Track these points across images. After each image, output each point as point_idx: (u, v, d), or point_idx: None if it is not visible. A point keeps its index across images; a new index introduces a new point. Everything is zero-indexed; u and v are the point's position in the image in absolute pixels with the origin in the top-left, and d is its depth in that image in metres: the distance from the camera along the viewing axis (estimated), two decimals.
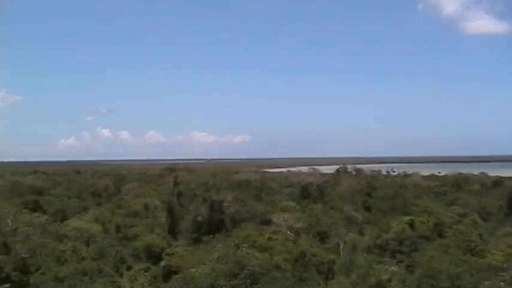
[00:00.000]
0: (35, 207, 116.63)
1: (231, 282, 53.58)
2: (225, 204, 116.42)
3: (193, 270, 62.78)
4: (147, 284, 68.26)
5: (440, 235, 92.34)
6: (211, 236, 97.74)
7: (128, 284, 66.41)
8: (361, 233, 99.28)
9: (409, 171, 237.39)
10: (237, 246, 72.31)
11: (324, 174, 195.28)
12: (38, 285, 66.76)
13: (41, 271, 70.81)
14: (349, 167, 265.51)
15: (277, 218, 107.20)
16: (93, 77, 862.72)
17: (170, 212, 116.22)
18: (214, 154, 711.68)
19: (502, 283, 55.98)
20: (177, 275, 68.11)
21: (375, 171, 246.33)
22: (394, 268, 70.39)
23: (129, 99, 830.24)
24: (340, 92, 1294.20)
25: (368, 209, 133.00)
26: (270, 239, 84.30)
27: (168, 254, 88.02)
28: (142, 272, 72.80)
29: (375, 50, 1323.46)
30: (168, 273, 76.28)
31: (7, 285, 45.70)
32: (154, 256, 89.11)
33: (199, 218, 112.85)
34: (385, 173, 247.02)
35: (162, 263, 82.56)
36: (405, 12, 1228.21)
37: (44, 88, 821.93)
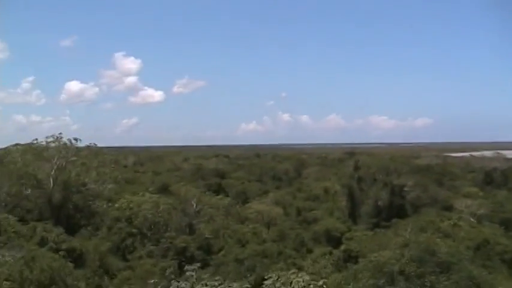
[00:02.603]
0: (218, 190, 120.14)
1: (420, 269, 51.87)
2: (405, 189, 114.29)
3: (375, 254, 61.54)
4: (330, 267, 67.80)
5: None
6: (391, 221, 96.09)
7: (310, 266, 66.35)
8: None
9: None
10: (423, 232, 70.30)
11: (509, 159, 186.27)
12: (219, 265, 68.46)
13: (223, 252, 72.51)
14: None
15: (460, 204, 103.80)
16: (273, 61, 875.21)
17: (350, 196, 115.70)
18: (394, 138, 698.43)
19: None
20: (363, 259, 67.25)
21: None
22: None
23: (309, 83, 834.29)
24: None
25: None
26: (455, 225, 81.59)
27: (347, 239, 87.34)
28: (325, 256, 72.53)
29: None
30: (348, 258, 75.66)
31: (198, 264, 46.73)
32: (333, 240, 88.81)
33: (380, 203, 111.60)
34: None
35: (342, 247, 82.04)
36: None
37: (226, 73, 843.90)
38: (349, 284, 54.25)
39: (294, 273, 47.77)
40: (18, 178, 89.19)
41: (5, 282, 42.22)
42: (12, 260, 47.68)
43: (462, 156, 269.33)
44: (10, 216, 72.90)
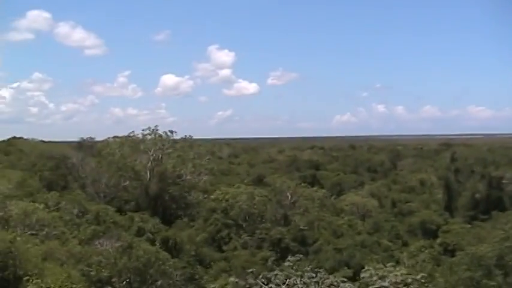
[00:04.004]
0: (313, 182, 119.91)
1: None
2: (504, 181, 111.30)
3: (473, 248, 60.34)
4: (429, 261, 66.97)
5: None
6: (489, 214, 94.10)
7: (406, 259, 65.84)
8: None
9: None
10: None
11: None
12: (318, 252, 68.78)
13: (319, 242, 72.71)
14: None
15: None
16: (368, 52, 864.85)
17: (447, 188, 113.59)
18: (491, 129, 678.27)
19: None
20: (460, 252, 66.15)
21: None
22: None
23: (404, 74, 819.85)
24: None
25: None
26: None
27: (444, 232, 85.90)
28: (423, 248, 71.65)
29: None
30: (444, 251, 74.58)
31: (300, 255, 47.24)
32: (429, 233, 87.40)
33: (477, 195, 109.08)
34: None
35: (438, 240, 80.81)
36: None
37: (319, 65, 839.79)
38: (445, 277, 53.63)
39: (391, 266, 47.77)
40: (116, 170, 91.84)
41: (103, 270, 43.79)
42: (110, 249, 49.38)
43: None
44: (109, 207, 75.38)
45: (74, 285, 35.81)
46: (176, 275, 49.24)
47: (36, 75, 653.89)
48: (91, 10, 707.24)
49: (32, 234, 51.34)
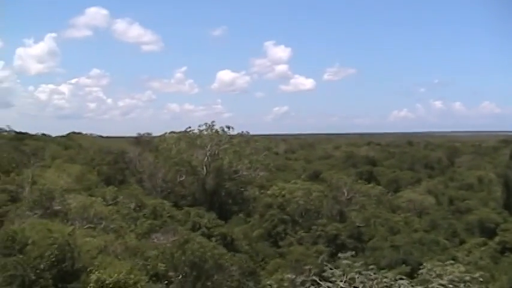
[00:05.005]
0: (369, 178, 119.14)
1: None
2: None
3: None
4: (486, 259, 66.06)
5: None
6: None
7: (463, 257, 65.02)
8: None
9: None
10: None
11: None
12: (375, 249, 68.37)
13: (375, 239, 72.29)
14: None
15: None
16: (425, 48, 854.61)
17: (506, 186, 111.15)
18: None
19: None
20: None
21: None
22: None
23: (462, 70, 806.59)
24: None
25: None
26: None
27: (503, 230, 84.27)
28: (478, 246, 70.68)
29: None
30: (503, 250, 73.37)
31: (352, 252, 46.99)
32: (487, 231, 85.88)
33: None
34: None
35: (497, 239, 79.45)
36: None
37: (376, 60, 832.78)
38: (505, 275, 52.89)
39: (450, 264, 47.07)
40: (173, 165, 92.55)
41: (159, 264, 44.11)
42: (166, 243, 49.77)
43: None
44: (165, 201, 76.04)
45: (137, 277, 36.20)
46: (232, 270, 49.34)
47: (94, 71, 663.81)
48: (148, 7, 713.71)
49: (90, 228, 52.05)
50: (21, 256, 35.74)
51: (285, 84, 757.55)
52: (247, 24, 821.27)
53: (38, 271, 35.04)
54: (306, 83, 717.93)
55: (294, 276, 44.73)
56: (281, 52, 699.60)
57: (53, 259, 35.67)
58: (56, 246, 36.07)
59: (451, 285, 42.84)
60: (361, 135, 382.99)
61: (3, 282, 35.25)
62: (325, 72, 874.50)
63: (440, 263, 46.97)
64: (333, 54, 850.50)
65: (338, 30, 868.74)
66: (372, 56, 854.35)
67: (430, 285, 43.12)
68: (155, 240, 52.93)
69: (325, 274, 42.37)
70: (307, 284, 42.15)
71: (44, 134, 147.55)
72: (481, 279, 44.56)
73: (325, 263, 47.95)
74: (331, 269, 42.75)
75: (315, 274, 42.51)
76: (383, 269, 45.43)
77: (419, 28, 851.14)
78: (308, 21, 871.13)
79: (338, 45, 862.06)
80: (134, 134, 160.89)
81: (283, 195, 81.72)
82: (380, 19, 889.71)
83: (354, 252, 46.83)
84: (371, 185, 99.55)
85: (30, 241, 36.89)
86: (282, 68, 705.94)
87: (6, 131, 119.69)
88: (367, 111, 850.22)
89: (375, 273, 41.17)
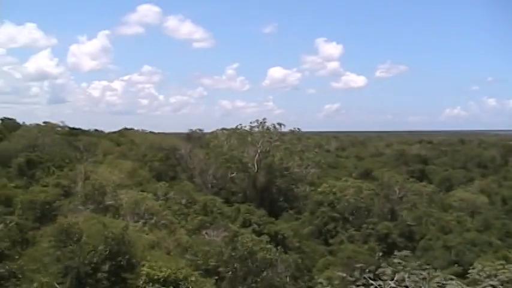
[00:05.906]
0: (421, 176, 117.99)
1: None
2: None
3: None
4: None
5: None
6: None
7: None
8: None
9: None
10: None
11: None
12: (426, 249, 67.68)
13: (427, 238, 71.56)
14: None
15: None
16: (479, 45, 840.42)
17: None
18: None
19: None
20: None
21: None
22: None
23: None
24: None
25: None
26: None
27: None
28: None
29: None
30: None
31: (405, 251, 46.70)
32: None
33: None
34: None
35: None
36: None
37: (428, 57, 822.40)
38: None
39: (500, 264, 46.38)
40: (224, 161, 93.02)
41: (210, 259, 44.38)
42: (217, 239, 50.03)
43: None
44: (216, 197, 76.42)
45: (188, 272, 36.50)
46: (283, 267, 49.36)
47: (146, 67, 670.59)
48: (199, 4, 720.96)
49: (141, 222, 52.64)
50: (76, 248, 36.31)
51: (337, 81, 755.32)
52: (298, 21, 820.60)
53: (92, 264, 35.55)
54: (358, 80, 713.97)
55: (344, 275, 44.53)
56: (332, 49, 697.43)
57: (107, 253, 36.13)
58: (111, 240, 36.53)
59: (501, 286, 42.30)
60: (413, 133, 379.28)
61: (59, 273, 35.89)
62: (376, 70, 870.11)
63: (491, 263, 46.36)
64: (385, 51, 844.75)
65: (389, 26, 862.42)
66: (424, 53, 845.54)
67: (480, 286, 42.63)
68: (206, 236, 53.27)
69: (377, 273, 42.07)
70: (359, 283, 41.90)
71: (96, 130, 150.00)
72: None
73: (376, 261, 47.73)
74: (385, 267, 42.43)
75: (366, 272, 42.16)
76: (435, 269, 44.90)
77: (472, 25, 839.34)
78: (359, 18, 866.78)
79: (390, 42, 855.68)
80: (186, 130, 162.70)
81: (334, 193, 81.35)
82: (432, 16, 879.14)
83: (407, 252, 46.49)
84: (423, 183, 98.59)
85: (84, 235, 37.40)
86: (333, 65, 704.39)
87: (60, 126, 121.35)
88: (419, 109, 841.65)
89: (428, 274, 40.73)
